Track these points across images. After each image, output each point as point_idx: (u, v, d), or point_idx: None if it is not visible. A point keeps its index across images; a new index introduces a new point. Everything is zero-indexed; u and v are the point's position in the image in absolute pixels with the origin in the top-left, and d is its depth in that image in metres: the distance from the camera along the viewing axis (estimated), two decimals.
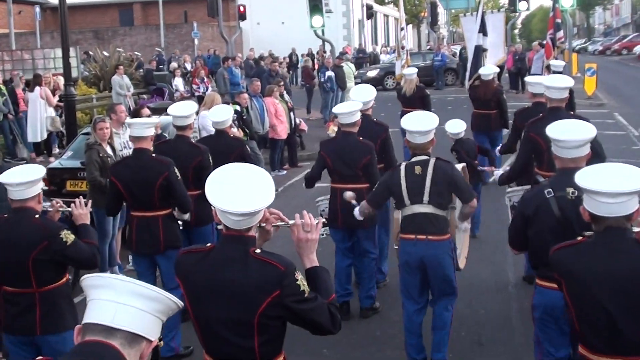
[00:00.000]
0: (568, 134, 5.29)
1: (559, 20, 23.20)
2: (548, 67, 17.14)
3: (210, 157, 8.51)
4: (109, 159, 9.66)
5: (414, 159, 6.92)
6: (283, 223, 4.01)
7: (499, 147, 11.23)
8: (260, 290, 3.72)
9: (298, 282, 3.76)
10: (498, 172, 8.68)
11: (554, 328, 5.49)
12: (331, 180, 8.71)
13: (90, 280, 2.59)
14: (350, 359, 7.66)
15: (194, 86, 26.52)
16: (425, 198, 6.78)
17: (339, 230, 8.62)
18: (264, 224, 3.95)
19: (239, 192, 3.74)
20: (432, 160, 6.85)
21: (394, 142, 9.48)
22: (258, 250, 3.81)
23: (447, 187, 6.84)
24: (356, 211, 7.62)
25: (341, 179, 8.50)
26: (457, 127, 10.99)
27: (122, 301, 2.52)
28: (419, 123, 6.89)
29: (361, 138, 8.47)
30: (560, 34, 23.11)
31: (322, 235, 8.98)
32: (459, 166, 7.64)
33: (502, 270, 9.98)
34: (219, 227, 3.93)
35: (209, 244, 3.98)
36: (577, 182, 4.02)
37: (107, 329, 2.51)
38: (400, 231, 7.02)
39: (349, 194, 7.90)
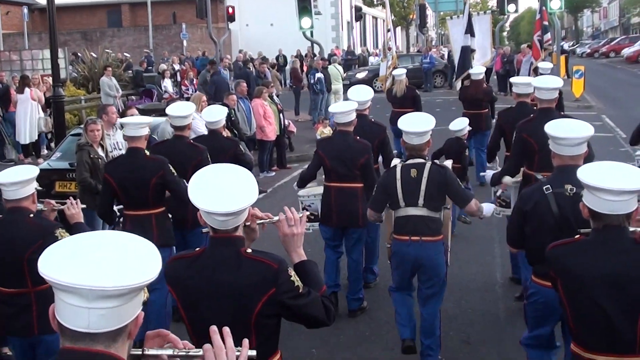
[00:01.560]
0: (569, 132, 5.38)
1: (546, 23, 23.36)
2: (535, 70, 17.23)
3: (209, 157, 8.50)
4: (99, 160, 9.65)
5: (410, 162, 6.95)
6: (267, 220, 4.01)
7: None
8: (256, 290, 3.72)
9: (292, 279, 3.77)
10: (489, 173, 8.74)
11: (545, 326, 5.60)
12: (325, 179, 8.74)
13: (53, 280, 2.38)
14: (339, 359, 7.68)
15: (183, 87, 26.50)
16: (421, 201, 6.82)
17: (331, 229, 8.68)
18: (249, 223, 3.95)
19: (222, 192, 3.73)
20: (428, 164, 6.90)
21: None
22: (249, 250, 3.81)
23: (442, 192, 6.89)
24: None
25: (338, 178, 8.52)
26: (458, 124, 11.30)
27: (92, 306, 2.37)
28: (416, 124, 6.93)
29: (358, 137, 8.52)
30: (548, 36, 23.27)
31: (308, 230, 9.06)
32: (447, 162, 7.69)
33: (490, 270, 10.03)
34: (205, 230, 3.92)
35: (197, 248, 3.98)
36: (580, 178, 4.04)
37: (85, 334, 2.39)
38: (394, 232, 7.06)
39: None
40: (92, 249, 2.48)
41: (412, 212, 6.87)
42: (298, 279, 3.82)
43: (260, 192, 15.90)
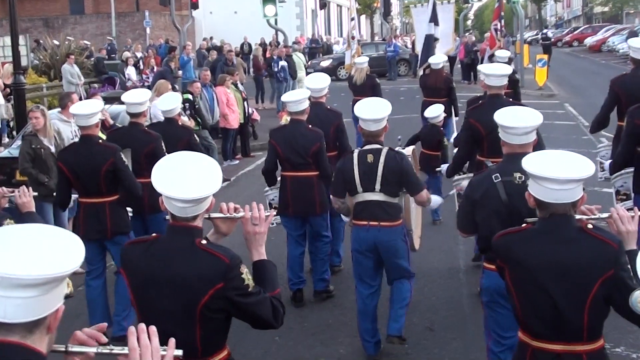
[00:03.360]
0: (517, 120, 5.37)
1: (503, 13, 23.65)
2: (491, 57, 17.42)
3: (163, 144, 8.50)
4: (42, 150, 9.60)
5: (366, 147, 6.98)
6: (231, 215, 3.97)
7: (452, 138, 11.41)
8: (204, 282, 3.70)
9: (243, 276, 3.75)
10: (444, 166, 8.80)
11: (503, 312, 5.56)
12: (281, 169, 8.73)
13: None
14: (303, 347, 7.67)
15: (144, 76, 26.31)
16: (377, 186, 6.86)
17: (291, 219, 8.67)
18: (214, 215, 3.93)
19: (185, 178, 3.72)
20: (385, 150, 6.92)
21: (347, 130, 9.53)
22: (204, 242, 3.79)
23: (397, 178, 6.91)
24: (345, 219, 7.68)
25: (292, 167, 8.52)
26: (433, 111, 11.40)
27: (7, 294, 2.32)
28: (372, 111, 6.94)
29: (310, 126, 8.52)
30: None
31: (273, 224, 9.01)
32: (409, 149, 7.71)
33: (453, 258, 10.10)
34: (167, 217, 3.88)
35: (154, 234, 3.96)
36: (525, 168, 4.03)
37: (0, 324, 2.34)
38: (353, 217, 7.09)
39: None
40: (15, 240, 2.44)
41: (369, 198, 6.91)
42: (250, 277, 3.81)
43: (224, 181, 15.91)
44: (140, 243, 3.97)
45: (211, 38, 36.75)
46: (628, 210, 4.23)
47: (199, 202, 3.73)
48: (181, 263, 3.74)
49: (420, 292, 8.71)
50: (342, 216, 7.90)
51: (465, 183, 7.82)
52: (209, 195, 3.78)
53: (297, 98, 8.49)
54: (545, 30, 56.67)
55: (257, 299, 3.79)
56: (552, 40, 53.05)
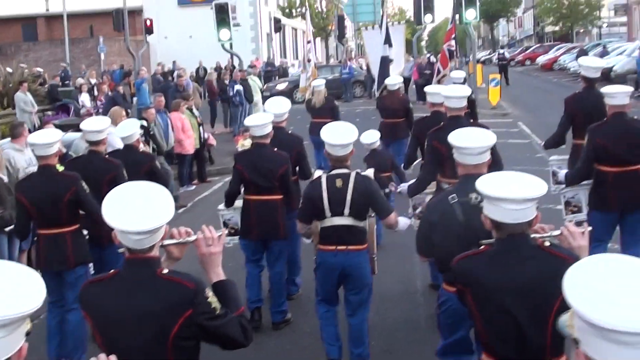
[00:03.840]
0: (470, 141, 5.44)
1: (455, 35, 24.00)
2: (441, 78, 17.68)
3: (124, 172, 8.40)
4: None
5: (335, 172, 6.97)
6: (184, 240, 3.93)
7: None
8: (172, 312, 3.64)
9: (209, 299, 3.71)
10: (404, 185, 8.84)
11: (459, 332, 5.66)
12: (245, 193, 8.68)
13: None
14: None
15: (98, 102, 26.13)
16: (346, 210, 6.86)
17: (251, 243, 8.64)
18: (168, 242, 3.88)
19: (137, 210, 3.66)
20: (353, 174, 6.93)
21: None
22: (165, 271, 3.74)
23: (366, 201, 6.93)
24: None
25: (257, 191, 8.48)
26: (371, 137, 11.29)
27: None
28: (340, 136, 6.94)
29: (276, 149, 8.51)
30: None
31: (229, 244, 8.99)
32: (369, 172, 7.75)
33: (410, 279, 10.11)
34: (121, 250, 3.83)
35: (112, 270, 3.89)
36: (479, 190, 4.07)
37: None
38: (320, 242, 7.08)
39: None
40: None
41: (337, 222, 6.90)
42: (215, 299, 3.76)
43: (180, 207, 15.79)
44: (99, 281, 3.90)
45: (159, 64, 36.64)
46: (580, 223, 4.30)
47: (154, 232, 3.68)
48: (145, 296, 3.67)
49: (378, 313, 8.71)
50: (303, 238, 7.90)
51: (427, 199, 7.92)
52: (163, 224, 3.73)
53: (261, 122, 8.46)
54: (502, 51, 57.41)
55: (226, 320, 3.75)
56: (507, 60, 53.85)
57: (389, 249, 11.08)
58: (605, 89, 8.25)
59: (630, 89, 8.28)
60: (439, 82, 17.84)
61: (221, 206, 9.03)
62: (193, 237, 3.93)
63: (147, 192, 3.83)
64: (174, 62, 42.09)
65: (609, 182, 8.11)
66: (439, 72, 23.33)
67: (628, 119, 8.17)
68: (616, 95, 8.08)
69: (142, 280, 3.71)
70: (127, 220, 3.63)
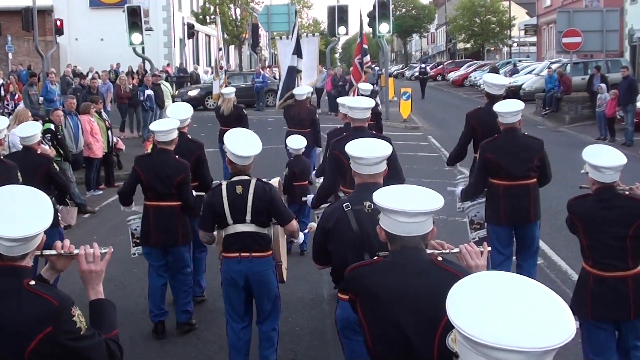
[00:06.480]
0: (365, 151, 5.49)
1: (365, 46, 24.37)
2: (355, 91, 17.96)
3: (19, 174, 8.24)
4: None
5: (235, 179, 6.95)
6: (65, 252, 3.80)
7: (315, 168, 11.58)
8: (31, 327, 3.45)
9: (74, 319, 3.52)
10: (310, 196, 8.90)
11: (358, 339, 5.66)
12: (145, 198, 8.63)
13: None
14: None
15: (5, 102, 25.54)
16: (248, 217, 6.86)
17: (153, 249, 8.57)
18: (48, 252, 3.75)
19: (12, 215, 3.51)
20: (253, 181, 6.92)
21: (212, 161, 9.52)
22: (32, 282, 3.55)
23: (267, 207, 6.93)
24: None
25: (155, 197, 8.45)
26: (299, 143, 11.43)
27: None
28: (245, 149, 6.91)
29: (177, 156, 8.48)
30: (367, 58, 24.41)
31: (134, 254, 8.89)
32: (275, 180, 7.77)
33: (317, 288, 10.17)
34: None
35: None
36: (375, 202, 4.07)
37: None
38: (223, 250, 7.04)
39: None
40: None
41: (240, 229, 6.89)
42: (82, 319, 3.58)
43: (87, 212, 15.47)
44: None
45: (68, 65, 36.05)
46: (482, 239, 4.37)
47: (27, 240, 3.52)
48: (6, 307, 3.48)
49: (284, 322, 8.71)
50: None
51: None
52: (39, 233, 3.57)
53: (166, 128, 8.43)
54: (423, 65, 58.21)
55: (91, 342, 3.58)
56: (429, 75, 54.75)
57: (298, 257, 11.14)
58: (497, 108, 8.49)
59: (521, 106, 8.47)
60: (353, 94, 18.03)
61: (130, 217, 8.97)
62: (75, 252, 3.82)
63: (27, 197, 3.67)
64: (90, 68, 41.47)
65: (500, 195, 8.40)
66: (351, 85, 23.68)
67: (518, 135, 8.45)
68: (505, 115, 8.37)
69: (6, 290, 3.52)
70: (0, 226, 3.47)
